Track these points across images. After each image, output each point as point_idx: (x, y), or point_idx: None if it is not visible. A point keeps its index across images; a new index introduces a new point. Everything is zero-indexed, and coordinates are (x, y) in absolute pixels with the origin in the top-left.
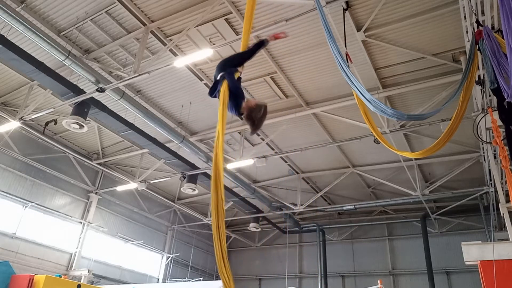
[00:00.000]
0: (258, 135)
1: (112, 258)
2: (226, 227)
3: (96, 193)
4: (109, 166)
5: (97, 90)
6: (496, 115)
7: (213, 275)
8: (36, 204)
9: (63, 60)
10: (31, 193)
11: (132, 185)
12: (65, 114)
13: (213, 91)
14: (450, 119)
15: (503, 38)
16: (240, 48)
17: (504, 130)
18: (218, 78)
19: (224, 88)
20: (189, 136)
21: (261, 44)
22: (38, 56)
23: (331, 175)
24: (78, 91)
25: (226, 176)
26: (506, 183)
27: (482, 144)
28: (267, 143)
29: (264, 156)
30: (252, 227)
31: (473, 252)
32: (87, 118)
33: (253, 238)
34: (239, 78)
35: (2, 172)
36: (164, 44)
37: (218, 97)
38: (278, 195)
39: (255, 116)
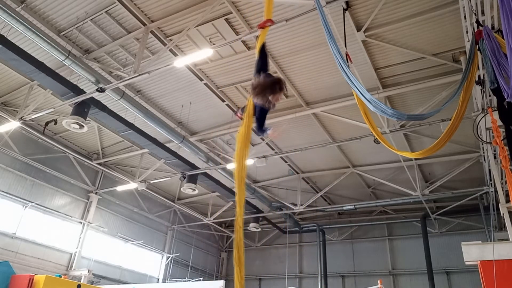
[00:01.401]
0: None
1: (112, 258)
2: (226, 227)
3: (96, 193)
4: (109, 166)
5: (97, 90)
6: (496, 115)
7: (213, 275)
8: (36, 204)
9: (63, 60)
10: (31, 193)
11: (132, 185)
12: (65, 114)
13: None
14: (450, 119)
15: (503, 38)
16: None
17: (504, 130)
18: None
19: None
20: (189, 136)
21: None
22: (38, 56)
23: (331, 175)
24: (78, 91)
25: (226, 176)
26: (506, 183)
27: (482, 144)
28: (267, 143)
29: (264, 156)
30: (252, 227)
31: (473, 252)
32: (87, 118)
33: (253, 238)
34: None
35: (2, 172)
36: (164, 44)
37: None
38: (278, 195)
39: (267, 91)
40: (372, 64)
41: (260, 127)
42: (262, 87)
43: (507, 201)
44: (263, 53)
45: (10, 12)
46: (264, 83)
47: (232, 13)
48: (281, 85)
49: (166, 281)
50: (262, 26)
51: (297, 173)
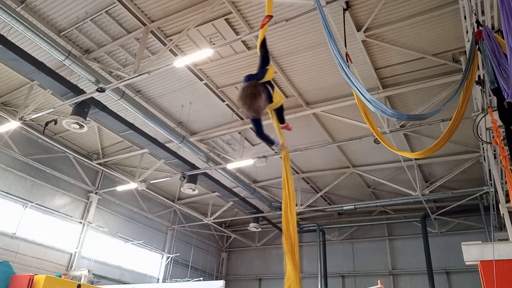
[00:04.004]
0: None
1: (112, 258)
2: (226, 227)
3: (96, 193)
4: (109, 166)
5: (97, 90)
6: (496, 115)
7: (213, 275)
8: (36, 204)
9: (63, 60)
10: (31, 193)
11: (132, 185)
12: (65, 114)
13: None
14: (450, 119)
15: (503, 38)
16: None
17: (504, 130)
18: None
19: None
20: (189, 136)
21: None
22: (38, 56)
23: (331, 175)
24: (78, 91)
25: (226, 176)
26: (506, 183)
27: (482, 144)
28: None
29: (264, 156)
30: (252, 227)
31: (473, 252)
32: (87, 118)
33: (253, 238)
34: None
35: (2, 172)
36: (164, 44)
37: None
38: (278, 195)
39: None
40: (372, 64)
41: (265, 139)
42: (251, 97)
43: (507, 201)
44: (264, 49)
45: (10, 12)
46: (244, 94)
47: (232, 13)
48: (257, 87)
49: (166, 281)
50: (262, 26)
51: (297, 173)
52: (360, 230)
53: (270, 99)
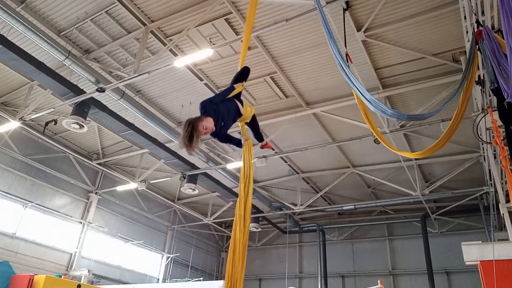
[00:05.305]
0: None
1: (112, 258)
2: (226, 227)
3: (96, 193)
4: (109, 166)
5: (97, 90)
6: (496, 115)
7: (213, 275)
8: (36, 204)
9: (63, 60)
10: (31, 193)
11: (132, 185)
12: (65, 114)
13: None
14: (450, 119)
15: (503, 38)
16: (239, 48)
17: (504, 130)
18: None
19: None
20: None
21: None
22: (38, 56)
23: (331, 175)
24: (78, 91)
25: (226, 176)
26: (506, 183)
27: (482, 144)
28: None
29: (264, 156)
30: (252, 227)
31: (473, 252)
32: (87, 118)
33: (253, 238)
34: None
35: (2, 172)
36: (164, 44)
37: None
38: (278, 195)
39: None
40: (372, 64)
41: (235, 143)
42: (187, 139)
43: (507, 201)
44: (246, 73)
45: (10, 12)
46: (183, 137)
47: (232, 13)
48: (191, 125)
49: (166, 281)
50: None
51: (297, 173)
52: (360, 230)
53: (239, 114)
